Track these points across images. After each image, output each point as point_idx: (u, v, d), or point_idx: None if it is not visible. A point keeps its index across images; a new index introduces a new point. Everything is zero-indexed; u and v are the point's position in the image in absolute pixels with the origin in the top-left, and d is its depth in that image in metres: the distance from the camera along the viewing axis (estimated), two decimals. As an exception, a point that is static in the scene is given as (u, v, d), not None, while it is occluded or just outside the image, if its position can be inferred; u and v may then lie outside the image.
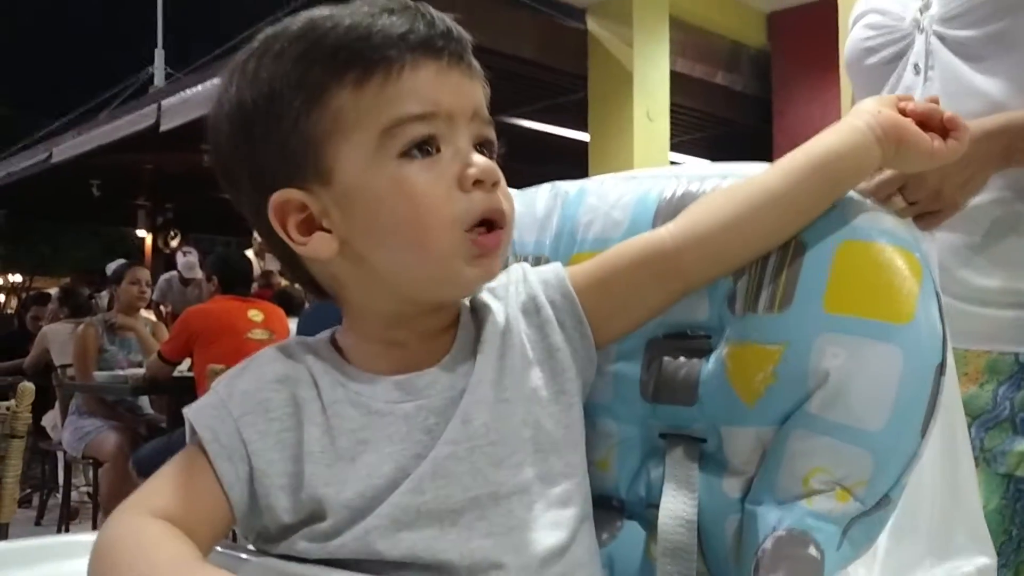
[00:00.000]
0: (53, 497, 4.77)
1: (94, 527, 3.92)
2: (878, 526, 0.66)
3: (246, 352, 2.73)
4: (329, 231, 0.64)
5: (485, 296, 0.71)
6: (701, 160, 9.25)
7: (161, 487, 0.62)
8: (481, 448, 0.63)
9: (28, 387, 2.02)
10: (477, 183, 0.62)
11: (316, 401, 0.64)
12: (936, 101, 0.73)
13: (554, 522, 0.65)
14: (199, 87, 6.58)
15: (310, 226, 0.64)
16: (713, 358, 0.71)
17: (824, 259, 0.67)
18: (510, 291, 0.71)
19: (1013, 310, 0.95)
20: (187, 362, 3.77)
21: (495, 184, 0.63)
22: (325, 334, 0.71)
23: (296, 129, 0.62)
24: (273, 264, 7.88)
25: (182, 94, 6.78)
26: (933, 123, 0.70)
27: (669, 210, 0.76)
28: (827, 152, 0.69)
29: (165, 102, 6.87)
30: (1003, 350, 0.94)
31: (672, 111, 5.93)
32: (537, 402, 0.67)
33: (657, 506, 0.71)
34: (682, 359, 0.73)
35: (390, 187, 0.61)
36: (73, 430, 4.03)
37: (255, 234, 6.80)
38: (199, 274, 6.15)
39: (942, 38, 1.04)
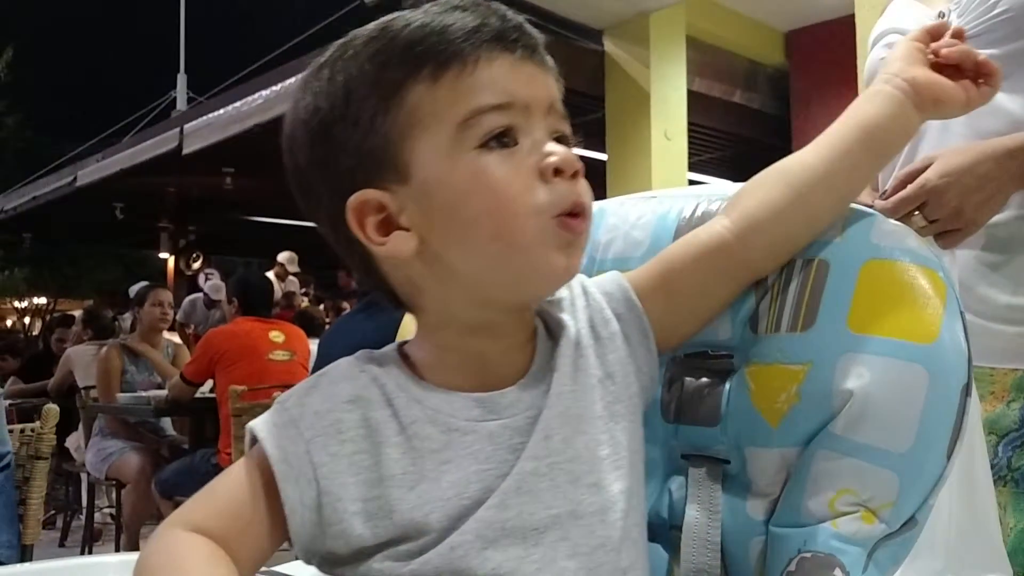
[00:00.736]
0: (76, 519, 4.79)
1: (117, 548, 3.94)
2: (904, 548, 0.65)
3: (268, 373, 2.74)
4: (408, 229, 0.63)
5: (553, 310, 0.70)
6: (720, 180, 9.24)
7: (211, 502, 0.61)
8: (560, 465, 0.62)
9: (53, 409, 2.04)
10: (558, 173, 0.61)
11: (392, 421, 0.62)
12: (961, 35, 0.74)
13: (630, 540, 0.64)
14: (220, 111, 6.65)
15: (388, 226, 0.63)
16: (736, 378, 0.71)
17: (848, 278, 0.67)
18: (576, 304, 0.70)
19: None
20: (209, 383, 3.79)
21: (576, 174, 0.62)
22: (393, 346, 0.69)
23: (373, 128, 0.62)
24: (294, 286, 7.96)
25: (204, 118, 6.86)
26: (966, 67, 0.71)
27: (689, 229, 0.76)
28: (867, 124, 0.70)
29: (187, 126, 6.95)
30: None
31: (690, 130, 5.93)
32: (611, 419, 0.66)
33: (680, 528, 0.71)
34: (704, 379, 0.73)
35: (469, 179, 0.60)
36: (96, 451, 4.06)
37: (278, 258, 6.85)
38: (224, 296, 6.21)
39: None
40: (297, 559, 0.64)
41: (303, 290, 8.12)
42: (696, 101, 6.03)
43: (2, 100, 15.99)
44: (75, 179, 8.63)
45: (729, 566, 0.69)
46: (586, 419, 0.65)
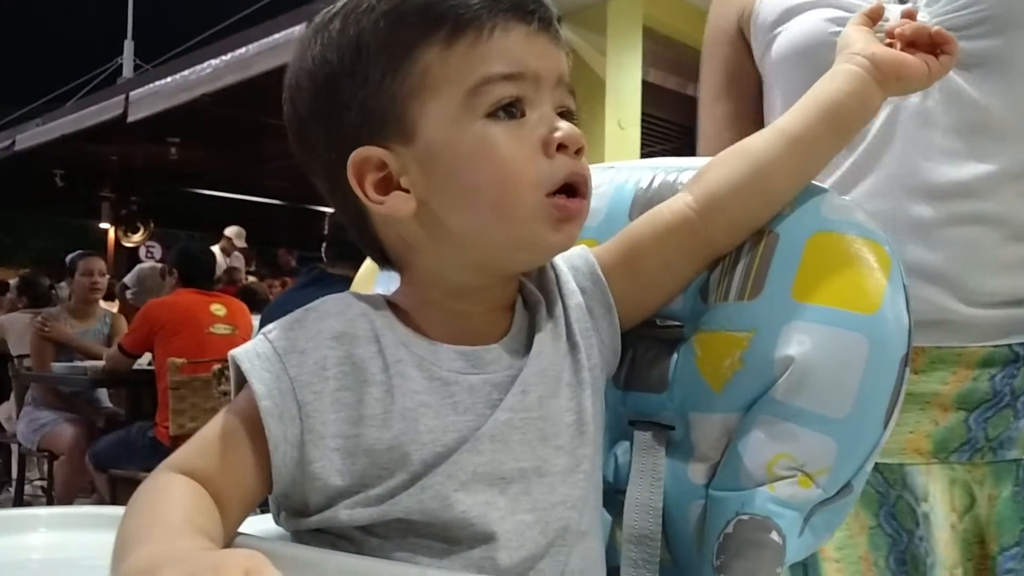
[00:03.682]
0: (5, 491, 4.67)
1: (46, 521, 3.85)
2: (839, 514, 0.67)
3: (208, 346, 2.71)
4: (407, 191, 0.63)
5: (527, 279, 0.70)
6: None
7: (199, 443, 0.61)
8: (533, 421, 0.63)
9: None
10: (561, 148, 0.62)
11: (378, 358, 0.62)
12: (912, 15, 0.75)
13: (588, 505, 0.65)
14: (168, 79, 6.50)
15: (387, 185, 0.63)
16: (684, 346, 0.72)
17: (795, 249, 0.68)
18: (547, 275, 0.70)
19: (1009, 308, 0.96)
20: (147, 356, 3.72)
21: (579, 151, 0.63)
22: (378, 294, 0.69)
23: (382, 86, 0.62)
24: (239, 261, 7.84)
25: (151, 85, 6.70)
26: (922, 41, 0.73)
27: (646, 200, 0.77)
28: (830, 102, 0.71)
29: (133, 93, 6.78)
30: (997, 343, 0.95)
31: (643, 121, 5.97)
32: (579, 386, 0.67)
33: (624, 492, 0.72)
34: (654, 348, 0.74)
35: (474, 147, 0.61)
36: (28, 422, 3.97)
37: (226, 232, 6.74)
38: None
39: None
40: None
41: (247, 267, 8.00)
42: (650, 92, 6.07)
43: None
44: (13, 143, 8.35)
45: (669, 529, 0.70)
46: (560, 383, 0.65)
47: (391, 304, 0.67)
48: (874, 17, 0.76)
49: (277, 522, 0.64)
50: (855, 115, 0.72)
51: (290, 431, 0.59)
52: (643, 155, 6.03)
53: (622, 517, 0.71)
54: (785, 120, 0.71)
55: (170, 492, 0.57)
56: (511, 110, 0.61)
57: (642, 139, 6.00)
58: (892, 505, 0.97)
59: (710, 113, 1.20)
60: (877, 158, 0.97)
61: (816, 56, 0.97)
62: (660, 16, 6.00)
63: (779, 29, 1.05)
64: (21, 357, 4.34)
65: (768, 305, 0.68)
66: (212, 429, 0.61)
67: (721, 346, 0.69)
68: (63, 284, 5.28)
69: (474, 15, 0.61)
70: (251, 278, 7.50)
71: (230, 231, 7.90)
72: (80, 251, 4.33)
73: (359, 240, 0.70)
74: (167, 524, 0.53)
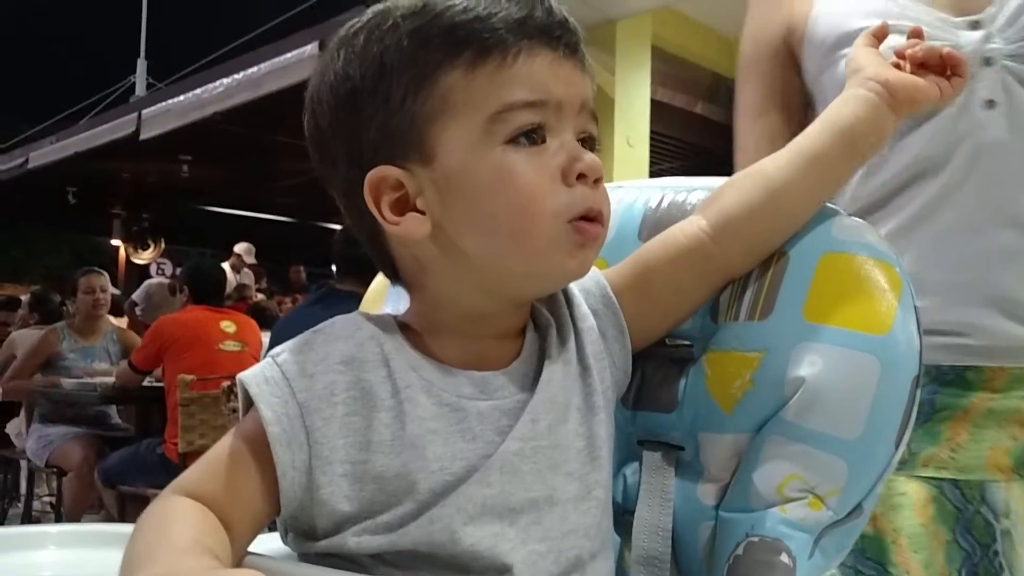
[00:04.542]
0: (14, 506, 4.68)
1: (55, 537, 3.85)
2: (850, 536, 0.66)
3: (218, 363, 2.71)
4: (423, 212, 0.62)
5: (539, 302, 0.70)
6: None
7: (207, 466, 0.60)
8: (543, 449, 0.62)
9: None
10: (581, 177, 0.61)
11: (387, 383, 0.61)
12: (919, 34, 0.75)
13: (599, 529, 0.65)
14: (180, 97, 6.55)
15: (404, 206, 0.62)
16: (694, 366, 0.72)
17: (806, 270, 0.68)
18: (558, 298, 0.70)
19: None
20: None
21: (597, 181, 0.62)
22: (388, 314, 0.68)
23: (403, 106, 0.61)
24: (248, 279, 7.86)
25: (163, 104, 6.75)
26: (932, 63, 0.72)
27: (655, 220, 0.77)
28: (843, 127, 0.71)
29: (145, 111, 6.84)
30: None
31: (652, 139, 5.99)
32: (589, 411, 0.66)
33: (633, 513, 0.71)
34: (664, 367, 0.74)
35: (493, 174, 0.60)
36: (37, 438, 3.97)
37: (236, 249, 6.74)
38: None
39: (1012, 72, 0.98)
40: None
41: (257, 284, 8.02)
42: (659, 110, 6.09)
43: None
44: (27, 160, 8.43)
45: (679, 551, 0.70)
46: (569, 409, 0.65)
47: (401, 325, 0.67)
48: (880, 36, 0.76)
49: (285, 542, 0.64)
50: (869, 140, 0.72)
51: (298, 457, 0.59)
52: (651, 173, 6.04)
53: (631, 538, 0.70)
54: (800, 144, 0.71)
55: (177, 514, 0.57)
56: (532, 136, 0.61)
57: (650, 157, 6.02)
58: (968, 520, 0.96)
59: (750, 128, 1.20)
60: (959, 188, 0.98)
61: None
62: (668, 35, 6.03)
63: (844, 51, 1.03)
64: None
65: (779, 326, 0.67)
66: (219, 452, 0.61)
67: (731, 366, 0.69)
68: (72, 300, 5.29)
69: (499, 39, 0.60)
70: (260, 295, 7.51)
71: (239, 248, 7.92)
72: (84, 268, 4.33)
73: (373, 257, 0.70)
74: (174, 545, 0.53)
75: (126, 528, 0.74)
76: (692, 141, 7.34)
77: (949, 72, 0.73)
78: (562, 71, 0.62)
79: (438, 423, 0.61)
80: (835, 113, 0.72)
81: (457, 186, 0.61)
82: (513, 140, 0.60)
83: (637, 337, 0.72)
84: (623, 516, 0.73)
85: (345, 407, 0.60)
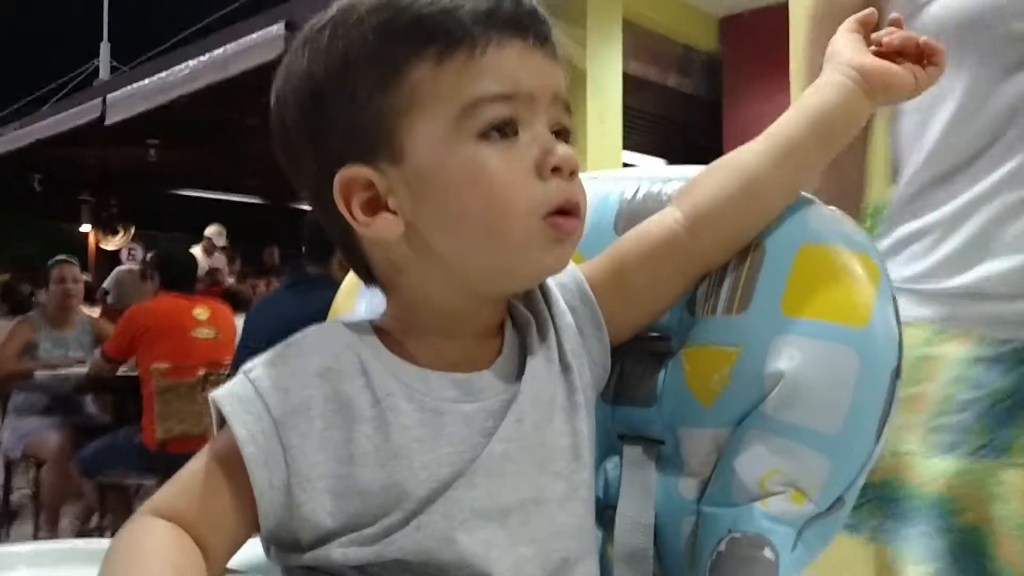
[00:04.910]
0: (-8, 499, 4.64)
1: (35, 528, 3.82)
2: (832, 528, 0.66)
3: (192, 351, 2.70)
4: (395, 212, 0.61)
5: (517, 299, 0.69)
6: (653, 158, 9.33)
7: (181, 486, 0.59)
8: (529, 449, 0.61)
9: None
10: (555, 171, 0.60)
11: (366, 392, 0.60)
12: (899, 23, 0.74)
13: (584, 530, 0.65)
14: (145, 81, 6.45)
15: (375, 206, 0.61)
16: (673, 360, 0.71)
17: (783, 262, 0.68)
18: (535, 295, 0.69)
19: None
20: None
21: (573, 173, 0.61)
22: (363, 318, 0.67)
23: (370, 103, 0.59)
24: (220, 263, 7.79)
25: (128, 88, 6.64)
26: (909, 51, 0.71)
27: (631, 212, 0.76)
28: (817, 113, 0.70)
29: (110, 96, 6.73)
30: None
31: (625, 113, 5.96)
32: (572, 409, 0.65)
33: (615, 508, 0.71)
34: (642, 362, 0.73)
35: (465, 170, 0.59)
36: (12, 430, 3.93)
37: (206, 232, 6.68)
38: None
39: None
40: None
41: (230, 267, 7.95)
42: (631, 84, 6.07)
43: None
44: (-10, 148, 8.28)
45: (661, 546, 0.69)
46: (554, 407, 0.64)
47: (378, 330, 0.65)
48: (866, 23, 0.75)
49: (268, 556, 0.63)
50: (843, 127, 0.71)
51: (276, 476, 0.58)
52: (625, 147, 6.02)
53: (612, 533, 0.70)
54: (774, 133, 0.70)
55: (151, 537, 0.56)
56: (503, 130, 0.59)
57: (624, 131, 6.00)
58: None
59: None
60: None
61: (985, 26, 0.90)
62: (639, 8, 6.00)
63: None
64: (3, 365, 4.29)
65: (756, 319, 0.67)
66: (193, 471, 0.59)
67: (709, 361, 0.68)
68: (44, 291, 5.22)
69: (466, 32, 0.59)
70: (232, 279, 7.44)
71: (210, 230, 7.83)
72: (56, 258, 4.26)
73: (347, 259, 0.68)
74: (148, 569, 0.53)
75: (100, 544, 0.73)
76: (665, 115, 7.33)
77: (925, 61, 0.72)
78: (532, 62, 0.61)
79: (422, 430, 0.60)
80: (809, 100, 0.71)
81: (428, 184, 0.60)
82: (484, 135, 0.59)
83: (615, 332, 0.71)
84: (604, 511, 0.73)
85: (323, 421, 0.59)
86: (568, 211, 0.61)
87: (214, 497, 0.58)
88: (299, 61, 0.63)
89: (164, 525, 0.57)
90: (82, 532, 3.95)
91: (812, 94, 0.71)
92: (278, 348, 0.62)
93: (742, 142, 0.72)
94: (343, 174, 0.61)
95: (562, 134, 0.63)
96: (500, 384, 0.64)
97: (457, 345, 0.65)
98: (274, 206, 10.15)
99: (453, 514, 0.58)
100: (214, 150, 8.43)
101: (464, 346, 0.65)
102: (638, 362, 0.73)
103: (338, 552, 0.58)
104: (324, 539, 0.59)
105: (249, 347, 2.91)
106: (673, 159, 9.89)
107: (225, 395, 0.60)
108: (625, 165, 5.75)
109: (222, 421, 0.60)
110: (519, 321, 0.68)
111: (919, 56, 0.72)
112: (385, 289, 0.67)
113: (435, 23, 0.59)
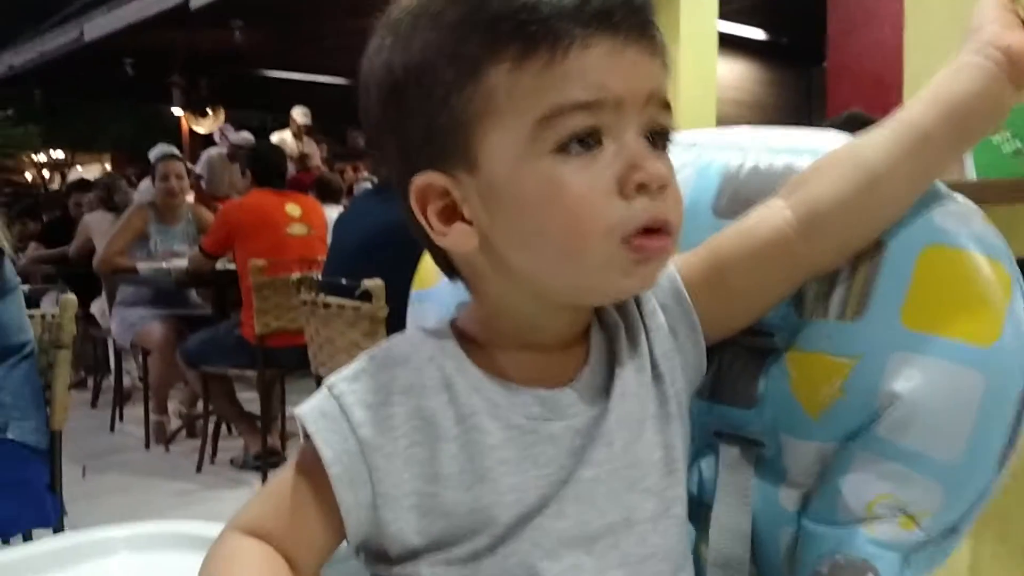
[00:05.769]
0: (107, 379, 4.93)
1: (146, 411, 4.06)
2: (942, 554, 0.62)
3: (286, 247, 2.78)
4: (470, 223, 0.58)
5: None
6: (751, 28, 8.85)
7: (268, 504, 0.59)
8: (619, 471, 0.59)
9: (70, 300, 2.02)
10: (641, 187, 0.55)
11: (449, 409, 0.58)
12: None
13: (678, 549, 0.62)
14: (228, -38, 6.38)
15: (451, 215, 0.58)
16: (776, 362, 0.67)
17: (905, 265, 0.61)
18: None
19: None
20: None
21: (662, 188, 0.56)
22: (446, 322, 0.64)
23: (446, 106, 0.55)
24: (311, 147, 7.84)
25: (210, -29, 6.59)
26: None
27: (733, 191, 0.70)
28: (953, 103, 0.61)
29: (193, -21, 6.69)
30: None
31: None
32: (664, 420, 0.62)
33: (709, 506, 0.69)
34: (742, 359, 0.69)
35: (540, 188, 0.54)
36: (120, 320, 4.13)
37: (292, 114, 6.68)
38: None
39: None
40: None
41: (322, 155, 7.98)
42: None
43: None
44: (82, 34, 8.41)
45: (757, 554, 0.67)
46: (644, 421, 0.61)
47: (460, 333, 0.63)
48: None
49: (357, 559, 0.63)
50: (982, 119, 0.62)
51: (362, 496, 0.57)
52: (721, 12, 5.66)
53: (706, 533, 0.68)
54: (900, 122, 0.62)
55: (243, 556, 0.56)
56: (586, 141, 0.54)
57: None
58: None
59: None
60: None
61: None
62: None
63: None
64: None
65: (873, 329, 0.62)
66: (280, 486, 0.59)
67: (819, 371, 0.64)
68: (144, 182, 5.34)
69: (548, 31, 0.53)
70: (321, 167, 7.48)
71: (296, 112, 7.80)
72: (160, 152, 4.32)
73: (431, 255, 0.66)
74: None
75: (198, 528, 0.75)
76: None
77: None
78: (623, 62, 0.54)
79: (508, 451, 0.58)
80: (944, 87, 0.62)
81: (501, 199, 0.56)
82: (563, 147, 0.54)
83: (711, 333, 0.67)
84: (699, 509, 0.70)
85: (407, 439, 0.58)
86: (655, 229, 0.56)
87: (301, 514, 0.58)
88: (381, 52, 0.59)
89: (255, 544, 0.57)
90: (188, 416, 4.18)
91: (947, 79, 0.62)
92: (361, 360, 0.60)
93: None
94: (419, 180, 0.58)
95: (660, 136, 0.57)
96: (588, 398, 0.60)
97: (541, 357, 0.62)
98: (357, 85, 10.10)
99: (540, 542, 0.57)
100: (297, 30, 8.37)
101: (549, 359, 0.62)
102: (737, 358, 0.69)
103: (427, 570, 0.58)
104: (412, 555, 0.58)
105: (339, 255, 2.95)
106: (773, 31, 9.41)
107: (309, 411, 0.58)
108: (721, 36, 5.45)
109: (304, 433, 0.59)
110: (607, 323, 0.64)
111: None
112: (469, 288, 0.64)
113: (514, 21, 0.53)
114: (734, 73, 9.13)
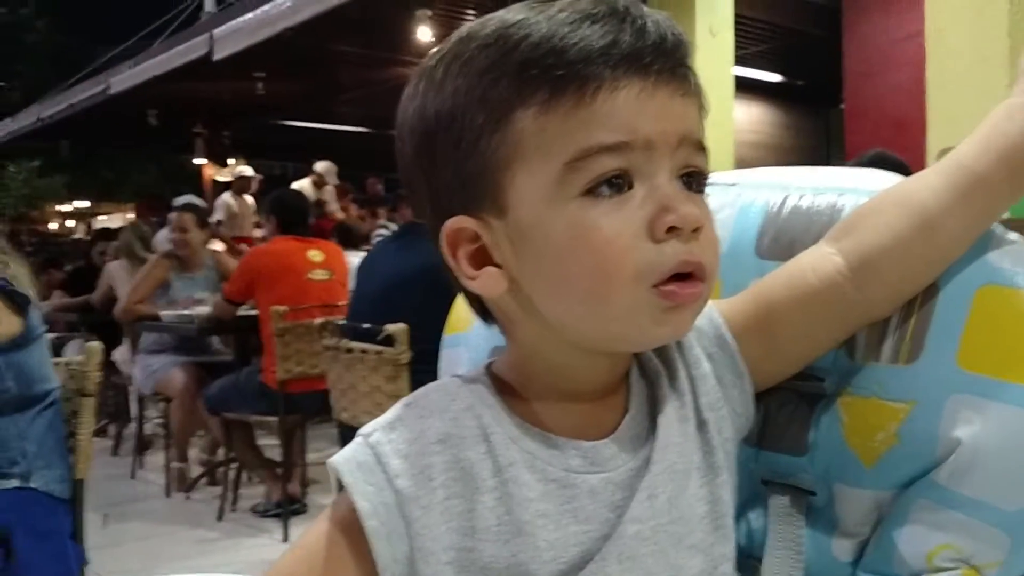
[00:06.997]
0: (127, 427, 4.93)
1: (166, 459, 4.05)
2: (1009, 605, 0.59)
3: (308, 292, 2.79)
4: (500, 267, 0.57)
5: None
6: (768, 73, 8.91)
7: (303, 556, 0.57)
8: (664, 527, 0.57)
9: (95, 347, 2.02)
10: (672, 230, 0.53)
11: (487, 460, 0.56)
12: None
13: None
14: (249, 15, 6.51)
15: (482, 259, 0.57)
16: (828, 408, 0.65)
17: (960, 306, 0.60)
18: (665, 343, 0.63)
19: None
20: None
21: (696, 231, 0.54)
22: (482, 370, 0.63)
23: (476, 150, 0.55)
24: (328, 195, 7.91)
25: (233, 23, 6.74)
26: None
27: (776, 231, 0.69)
28: (1011, 146, 0.59)
29: (217, 31, 6.85)
30: None
31: (737, 23, 5.67)
32: (710, 472, 0.60)
33: (758, 558, 0.66)
34: (791, 403, 0.67)
35: (568, 231, 0.53)
36: (142, 368, 4.13)
37: (316, 167, 6.77)
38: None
39: None
40: None
41: (342, 201, 8.04)
42: (744, -8, 5.76)
43: (29, 3, 15.76)
44: (108, 86, 8.58)
45: (812, 608, 0.64)
46: (689, 472, 0.59)
47: (497, 379, 0.61)
48: None
49: None
50: None
51: (399, 549, 0.55)
52: (737, 58, 5.72)
53: (757, 586, 0.65)
54: (955, 163, 0.60)
55: None
56: (615, 183, 0.53)
57: (736, 42, 5.72)
58: None
59: None
60: None
61: None
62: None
63: None
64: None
65: (929, 372, 0.60)
66: (314, 541, 0.57)
67: (873, 416, 0.61)
68: (163, 232, 5.38)
69: (575, 74, 0.52)
70: (342, 214, 7.54)
71: (320, 167, 7.88)
72: (180, 202, 4.36)
73: (464, 298, 0.64)
74: None
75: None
76: (780, 23, 6.96)
77: None
78: (653, 103, 0.53)
79: (546, 504, 0.56)
80: (997, 130, 0.60)
81: (529, 243, 0.55)
82: (591, 190, 0.53)
83: (759, 380, 0.65)
84: (747, 560, 0.68)
85: (444, 490, 0.56)
86: (688, 274, 0.54)
87: (337, 567, 0.56)
88: (415, 98, 0.59)
89: None
90: (208, 463, 4.16)
91: (1002, 120, 0.60)
92: (397, 408, 0.59)
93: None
94: (450, 225, 0.57)
95: (695, 178, 0.56)
96: (629, 449, 0.58)
97: (579, 407, 0.60)
98: (377, 134, 10.22)
99: None
100: (317, 81, 8.51)
101: (587, 408, 0.60)
102: (786, 403, 0.67)
103: None
104: None
105: (361, 301, 2.95)
106: (790, 70, 9.47)
107: (344, 462, 0.57)
108: (737, 79, 5.49)
109: (339, 483, 0.57)
110: (648, 369, 0.62)
111: None
112: (504, 332, 0.63)
113: (542, 66, 0.53)
114: (751, 116, 9.17)
